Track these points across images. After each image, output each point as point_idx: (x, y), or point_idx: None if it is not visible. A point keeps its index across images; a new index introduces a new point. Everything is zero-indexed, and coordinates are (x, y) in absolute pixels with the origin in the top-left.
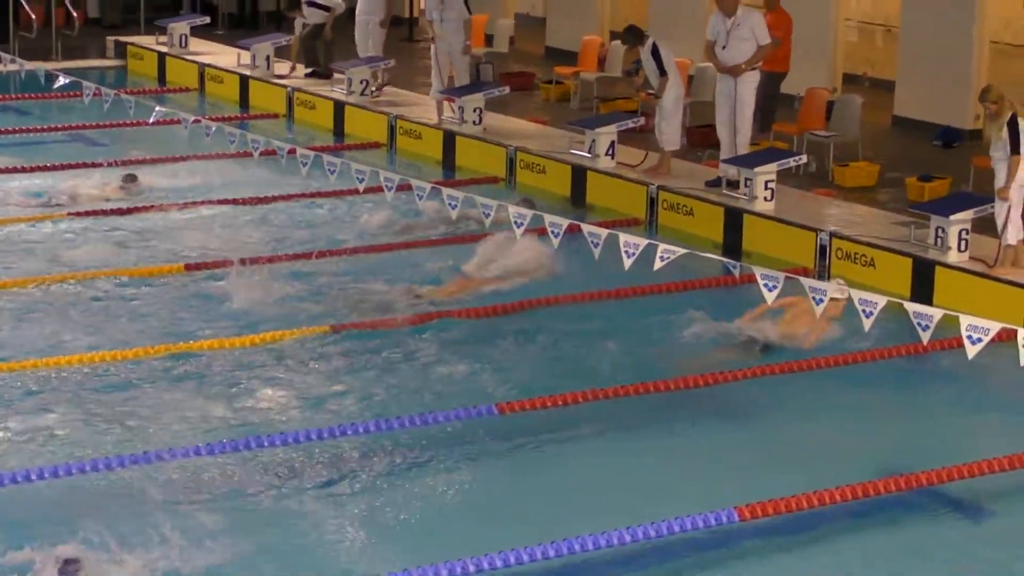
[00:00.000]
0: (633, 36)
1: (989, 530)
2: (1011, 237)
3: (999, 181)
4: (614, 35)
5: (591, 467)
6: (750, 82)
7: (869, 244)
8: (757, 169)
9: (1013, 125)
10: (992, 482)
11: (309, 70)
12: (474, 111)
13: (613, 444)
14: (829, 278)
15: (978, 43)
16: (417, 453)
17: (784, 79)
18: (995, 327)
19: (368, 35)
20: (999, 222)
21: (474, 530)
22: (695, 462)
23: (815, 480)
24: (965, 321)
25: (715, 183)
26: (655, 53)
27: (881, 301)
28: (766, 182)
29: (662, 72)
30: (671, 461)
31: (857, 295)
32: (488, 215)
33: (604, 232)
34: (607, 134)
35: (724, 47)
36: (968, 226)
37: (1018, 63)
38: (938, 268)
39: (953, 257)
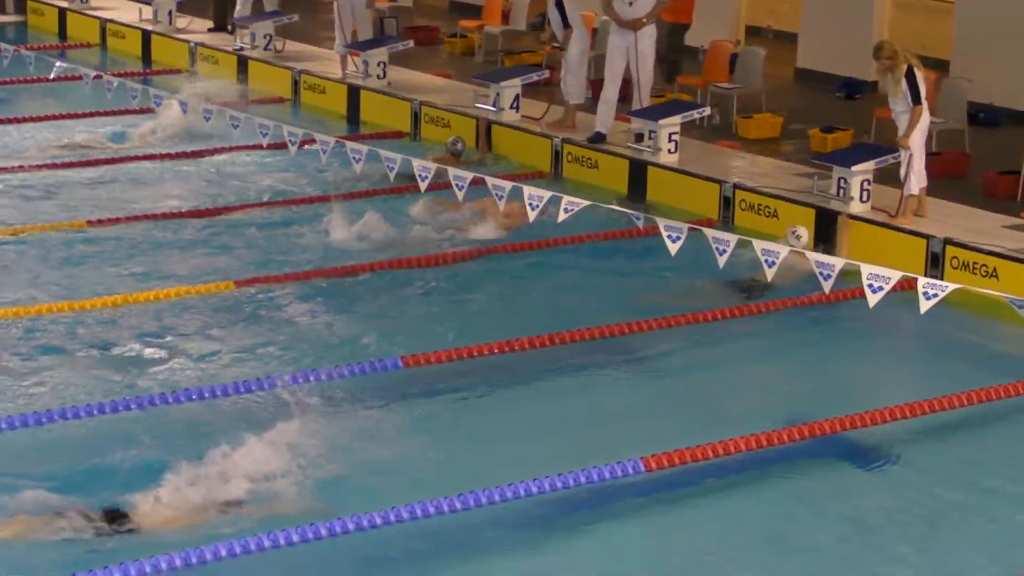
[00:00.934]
0: None
1: (885, 478)
2: (913, 186)
3: (901, 132)
4: None
5: (495, 422)
6: (650, 36)
7: (772, 195)
8: (661, 122)
9: (911, 77)
10: (891, 430)
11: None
12: (378, 65)
13: (517, 398)
14: (734, 225)
15: None
16: (324, 407)
17: (688, 31)
18: (895, 276)
19: None
20: (902, 171)
21: (383, 484)
22: (603, 414)
23: (719, 430)
24: (866, 270)
25: (596, 139)
26: (559, 5)
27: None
28: (670, 134)
29: (566, 24)
30: (578, 413)
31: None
32: (392, 168)
33: (508, 184)
34: (511, 87)
35: (630, 3)
36: (870, 176)
37: (919, 16)
38: (840, 218)
39: (856, 207)
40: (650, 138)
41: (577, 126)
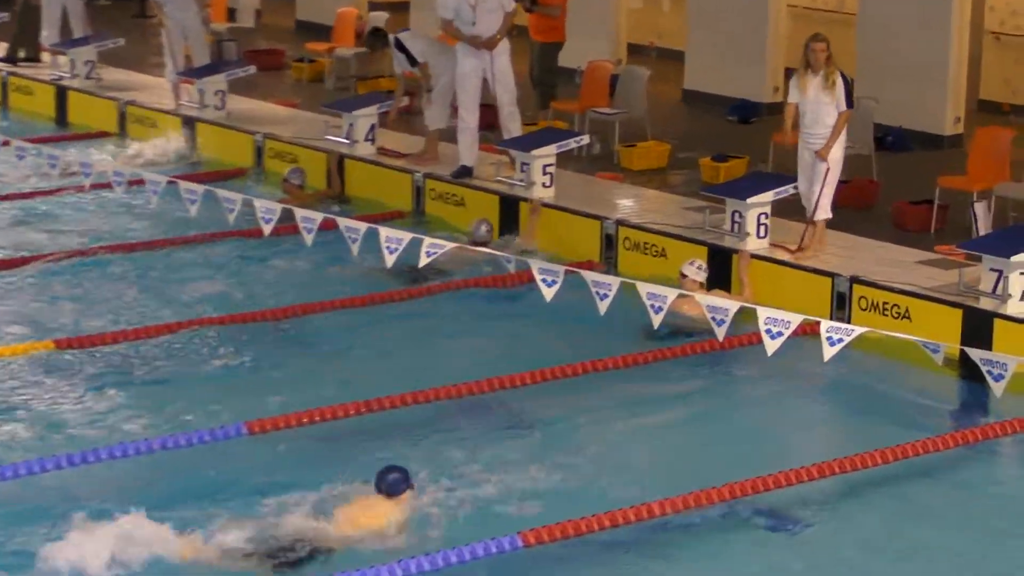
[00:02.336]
0: (375, 40)
1: (798, 541)
2: (822, 212)
3: (808, 140)
4: (373, 6)
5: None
6: (506, 51)
7: (660, 232)
8: (535, 152)
9: (844, 78)
10: (799, 492)
11: (19, 54)
12: (216, 94)
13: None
14: (617, 267)
15: (774, 8)
16: (167, 478)
17: (561, 50)
18: (795, 320)
19: (59, 8)
20: (815, 191)
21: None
22: (468, 480)
23: (615, 494)
24: (763, 314)
25: (461, 173)
26: (400, 47)
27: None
28: (544, 166)
29: (413, 63)
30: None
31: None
32: (232, 211)
33: (363, 226)
34: (366, 117)
35: (474, 23)
36: (767, 209)
37: (818, 29)
38: (735, 256)
39: (752, 244)
40: (522, 171)
41: (441, 159)
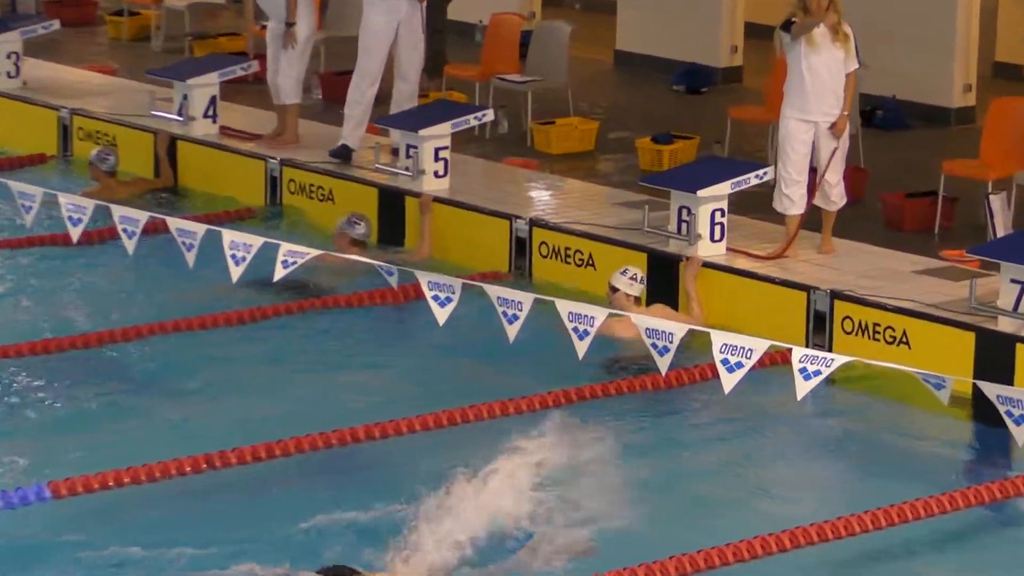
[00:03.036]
0: None
1: None
2: (837, 197)
3: (820, 106)
4: None
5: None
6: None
7: (586, 235)
8: (424, 132)
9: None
10: (768, 563)
11: None
12: (8, 57)
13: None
14: (531, 278)
15: None
16: None
17: (450, 2)
18: (760, 346)
19: None
20: (822, 169)
21: None
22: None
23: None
24: (718, 340)
25: (340, 153)
26: None
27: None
28: (437, 150)
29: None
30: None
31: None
32: (30, 210)
33: (201, 229)
34: (205, 87)
35: None
36: (724, 204)
37: None
38: (682, 264)
39: (704, 249)
40: (408, 156)
41: (302, 141)
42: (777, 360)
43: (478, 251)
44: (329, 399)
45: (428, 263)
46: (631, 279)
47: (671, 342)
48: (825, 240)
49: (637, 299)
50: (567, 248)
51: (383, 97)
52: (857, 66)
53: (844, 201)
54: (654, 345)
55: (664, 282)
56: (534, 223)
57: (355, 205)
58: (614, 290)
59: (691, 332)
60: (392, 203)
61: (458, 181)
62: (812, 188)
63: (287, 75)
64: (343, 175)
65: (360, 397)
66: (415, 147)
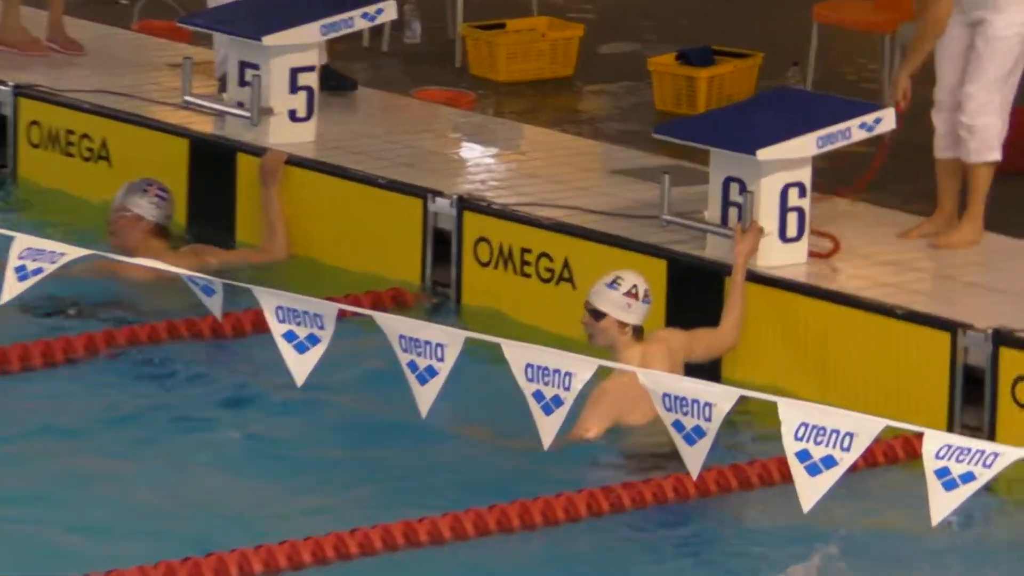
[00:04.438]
0: None
1: None
2: (985, 150)
3: None
4: None
5: None
6: None
7: (556, 227)
8: (269, 40)
9: None
10: None
11: None
12: None
13: None
14: (460, 302)
15: None
16: None
17: None
18: (865, 430)
19: None
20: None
21: None
22: None
23: None
24: (793, 417)
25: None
26: None
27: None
28: (293, 72)
29: None
30: None
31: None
32: None
33: None
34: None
35: None
36: (807, 175)
37: None
38: (729, 280)
39: (772, 253)
40: (244, 83)
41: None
42: (896, 453)
43: (368, 252)
44: (129, 507)
45: (279, 272)
46: (626, 295)
47: (709, 418)
48: (967, 224)
49: (638, 330)
50: (524, 249)
51: None
52: None
53: (995, 155)
54: (677, 426)
55: (696, 308)
56: (466, 204)
57: (149, 169)
58: (597, 315)
59: (741, 398)
60: (214, 165)
61: (333, 129)
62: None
63: None
64: (125, 115)
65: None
66: (255, 68)
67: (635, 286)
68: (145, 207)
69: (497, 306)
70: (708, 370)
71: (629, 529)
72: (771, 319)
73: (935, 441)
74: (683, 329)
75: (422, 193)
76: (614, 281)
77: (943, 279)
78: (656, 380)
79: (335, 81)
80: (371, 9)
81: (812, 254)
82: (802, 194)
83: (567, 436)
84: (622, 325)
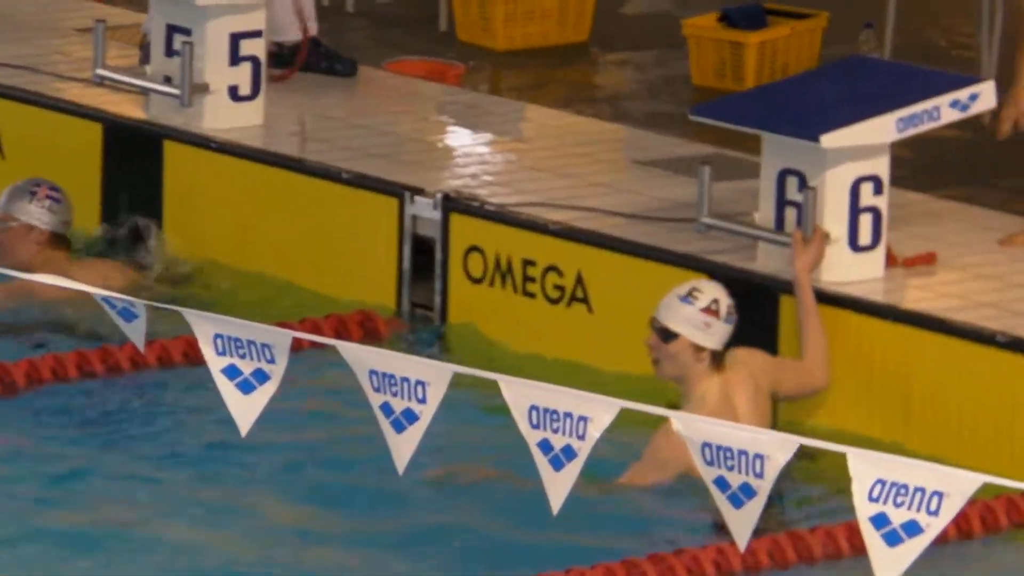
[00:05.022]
0: None
1: None
2: None
3: None
4: None
5: None
6: None
7: (570, 234)
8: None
9: None
10: None
11: None
12: None
13: None
14: (447, 325)
15: None
16: None
17: None
18: (960, 490)
19: None
20: None
21: None
22: None
23: None
24: (867, 473)
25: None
26: None
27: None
28: (236, 39)
29: None
30: None
31: None
32: None
33: None
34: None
35: None
36: (885, 167)
37: None
38: (787, 298)
39: (842, 265)
40: (172, 52)
41: None
42: (998, 518)
43: (330, 266)
44: None
45: (217, 289)
46: (704, 311)
47: (760, 474)
48: None
49: (717, 356)
50: (527, 261)
51: None
52: None
53: None
54: (721, 484)
55: (743, 338)
56: (453, 204)
57: (53, 162)
58: (666, 335)
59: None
60: (136, 156)
61: (286, 111)
62: None
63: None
64: (22, 93)
65: None
66: (185, 33)
67: (715, 301)
68: (36, 214)
69: (493, 333)
70: None
71: None
72: (837, 347)
73: None
74: (766, 353)
75: (398, 191)
76: (689, 294)
77: None
78: (693, 426)
79: (327, 63)
80: None
81: (891, 263)
82: (878, 190)
83: (617, 481)
84: (697, 349)
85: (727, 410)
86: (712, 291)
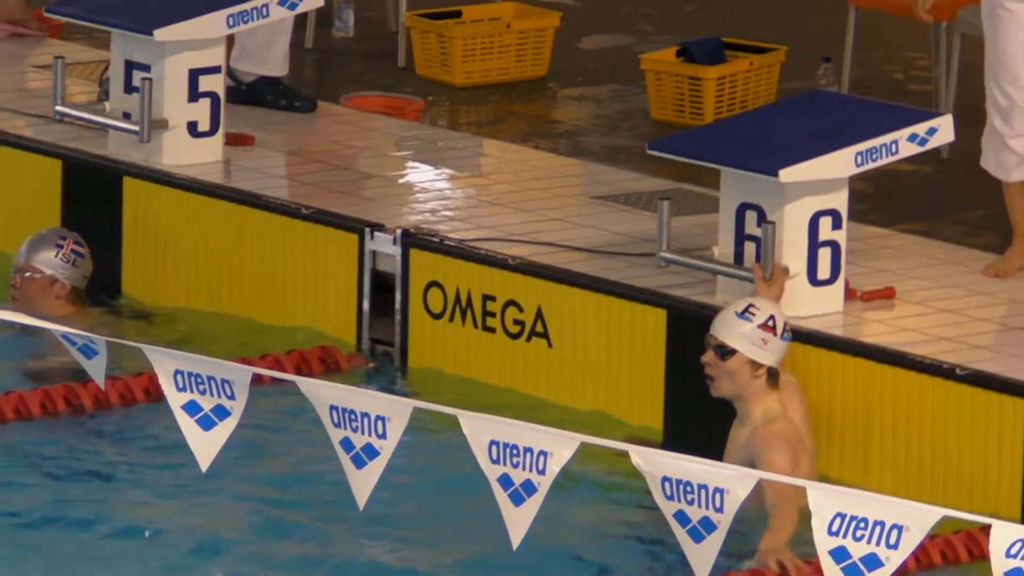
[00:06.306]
0: None
1: None
2: None
3: None
4: None
5: None
6: None
7: (529, 269)
8: (161, 35)
9: None
10: None
11: None
12: None
13: None
14: (407, 366)
15: None
16: None
17: None
18: (922, 519)
19: None
20: None
21: None
22: None
23: None
24: (825, 509)
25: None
26: None
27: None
28: (195, 75)
29: None
30: None
31: None
32: None
33: None
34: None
35: None
36: (843, 202)
37: None
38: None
39: (803, 302)
40: (131, 89)
41: None
42: (955, 553)
43: (290, 301)
44: None
45: (177, 326)
46: (762, 327)
47: (720, 508)
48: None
49: (773, 374)
50: (487, 296)
51: None
52: None
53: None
54: (681, 518)
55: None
56: (412, 240)
57: (11, 198)
58: (724, 352)
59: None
60: (94, 193)
61: (243, 148)
62: None
63: None
64: None
65: None
66: (144, 69)
67: (772, 317)
68: (60, 268)
69: (453, 368)
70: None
71: None
72: (800, 381)
73: (1005, 533)
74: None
75: (358, 227)
76: (746, 310)
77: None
78: (651, 460)
79: (287, 100)
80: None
81: (850, 297)
82: (836, 225)
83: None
84: (755, 366)
85: (791, 427)
86: (768, 308)
